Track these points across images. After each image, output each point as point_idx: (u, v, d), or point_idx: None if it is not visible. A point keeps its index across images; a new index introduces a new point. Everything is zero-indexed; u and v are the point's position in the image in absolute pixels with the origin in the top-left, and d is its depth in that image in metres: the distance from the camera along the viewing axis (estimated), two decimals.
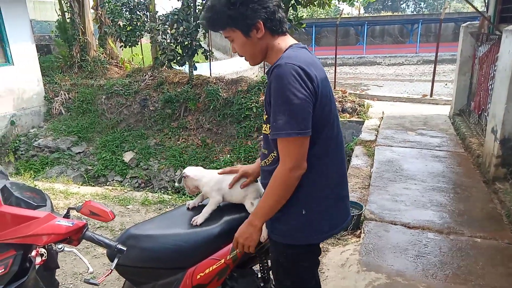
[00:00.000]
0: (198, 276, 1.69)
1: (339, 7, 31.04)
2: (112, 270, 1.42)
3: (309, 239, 1.51)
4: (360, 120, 7.16)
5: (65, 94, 9.68)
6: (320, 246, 1.68)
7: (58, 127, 9.10)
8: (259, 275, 2.01)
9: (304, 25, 8.20)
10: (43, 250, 1.55)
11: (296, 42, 1.46)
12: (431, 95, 8.90)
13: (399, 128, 6.40)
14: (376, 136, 5.99)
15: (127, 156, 8.66)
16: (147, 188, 7.27)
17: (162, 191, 6.19)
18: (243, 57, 1.50)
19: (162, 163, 8.29)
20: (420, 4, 45.12)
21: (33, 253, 1.48)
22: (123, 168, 8.30)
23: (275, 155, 1.44)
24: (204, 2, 8.83)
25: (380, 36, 29.21)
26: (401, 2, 45.77)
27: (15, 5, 8.55)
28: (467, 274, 2.54)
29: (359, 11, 34.35)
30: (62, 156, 8.54)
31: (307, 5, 8.03)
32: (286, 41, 1.44)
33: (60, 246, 1.37)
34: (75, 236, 1.37)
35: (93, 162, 8.52)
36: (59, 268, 1.70)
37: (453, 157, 4.92)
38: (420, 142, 5.55)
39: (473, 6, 7.11)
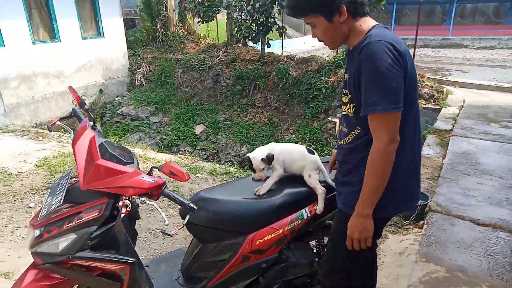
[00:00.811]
0: (258, 242, 1.84)
1: None
2: (184, 225, 1.61)
3: (384, 212, 1.54)
4: (437, 107, 6.71)
5: (146, 67, 10.41)
6: None
7: (139, 97, 9.88)
8: (314, 250, 2.11)
9: (383, 2, 7.77)
10: (128, 202, 1.82)
11: (377, 23, 1.47)
12: None
13: (480, 118, 5.90)
14: (453, 125, 5.60)
15: (198, 129, 9.16)
16: (215, 160, 7.67)
17: (228, 164, 6.51)
18: (322, 42, 1.52)
19: (229, 138, 8.65)
20: None
21: (120, 203, 1.73)
22: (194, 139, 8.82)
23: (357, 133, 1.48)
24: None
25: (470, 16, 26.38)
26: None
27: None
28: None
29: None
30: (141, 124, 9.31)
31: None
32: (367, 22, 1.45)
33: (143, 199, 1.57)
34: (155, 192, 1.58)
35: (168, 132, 9.17)
36: (139, 219, 1.96)
37: None
38: (503, 136, 5.08)
39: None
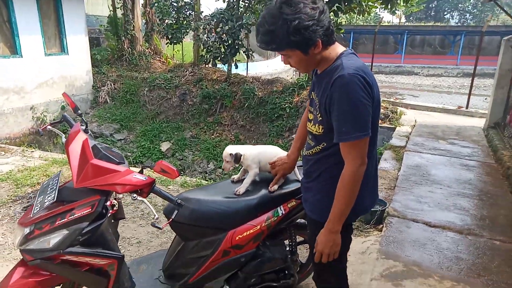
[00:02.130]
0: (237, 238, 2.00)
1: (379, 15, 30.73)
2: (172, 219, 1.74)
3: (349, 219, 1.67)
4: (392, 126, 7.26)
5: (111, 84, 10.34)
6: None
7: (103, 115, 9.75)
8: (288, 248, 2.30)
9: (342, 31, 8.38)
10: (115, 202, 1.92)
11: (344, 49, 1.56)
12: (467, 107, 8.82)
13: (430, 136, 6.47)
14: (407, 142, 6.10)
15: (164, 146, 9.17)
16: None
17: (199, 177, 6.59)
18: (294, 68, 1.63)
19: (196, 154, 8.74)
20: (465, 15, 43.68)
21: (108, 203, 1.84)
22: (160, 156, 8.81)
23: (322, 146, 1.63)
24: (246, 4, 9.22)
25: (419, 46, 28.67)
26: (444, 13, 44.48)
27: (74, 0, 9.29)
28: (481, 270, 2.70)
29: (400, 20, 33.77)
30: (105, 142, 9.15)
31: (347, 12, 8.20)
32: (336, 49, 1.54)
33: (134, 195, 1.69)
34: (145, 189, 1.71)
35: (133, 149, 9.09)
36: (124, 218, 2.06)
37: (482, 167, 4.98)
38: (450, 151, 5.62)
39: None
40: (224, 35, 8.51)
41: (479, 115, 8.34)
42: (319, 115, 1.58)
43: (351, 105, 1.42)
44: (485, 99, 13.29)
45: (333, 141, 1.53)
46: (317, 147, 1.66)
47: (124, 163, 1.79)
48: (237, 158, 2.05)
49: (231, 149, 2.12)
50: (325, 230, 1.58)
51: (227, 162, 2.12)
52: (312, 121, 1.66)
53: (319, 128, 1.60)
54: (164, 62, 11.77)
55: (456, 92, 18.37)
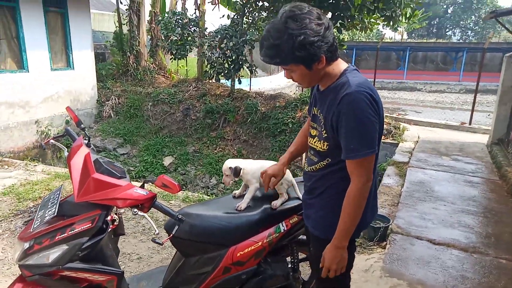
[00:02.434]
0: (238, 254, 1.97)
1: (381, 32, 31.09)
2: (172, 235, 1.72)
3: (353, 235, 1.64)
4: (395, 142, 7.25)
5: (115, 99, 10.43)
6: None
7: (107, 129, 9.80)
8: (290, 265, 2.27)
9: (345, 47, 8.48)
10: (115, 217, 1.91)
11: (347, 65, 1.56)
12: (470, 123, 8.81)
13: (433, 152, 6.44)
14: (410, 158, 6.08)
15: (167, 161, 9.18)
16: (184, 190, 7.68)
17: (201, 192, 6.58)
18: (297, 83, 1.66)
19: (199, 169, 8.73)
20: (467, 32, 44.08)
21: (108, 217, 1.83)
22: (162, 171, 8.80)
23: (326, 163, 1.63)
24: (250, 21, 9.36)
25: (422, 62, 28.85)
26: (446, 30, 44.92)
27: (81, 17, 9.47)
28: None
29: (402, 36, 34.12)
30: (108, 156, 9.17)
31: (350, 28, 8.31)
32: (339, 66, 1.54)
33: (134, 210, 1.68)
34: (146, 204, 1.70)
35: (135, 164, 9.11)
36: (124, 234, 2.04)
37: (486, 184, 4.94)
38: (453, 167, 5.58)
39: None
40: (228, 51, 8.62)
41: (482, 131, 8.32)
42: (324, 131, 1.57)
43: (358, 122, 1.42)
44: (488, 115, 13.28)
45: (338, 157, 1.53)
46: (321, 163, 1.65)
47: (126, 177, 1.79)
48: (236, 171, 2.03)
49: (230, 163, 2.11)
50: (332, 246, 1.58)
51: (227, 176, 2.10)
52: (317, 137, 1.64)
53: (323, 144, 1.60)
54: (168, 77, 11.89)
55: (459, 108, 18.38)
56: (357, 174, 1.49)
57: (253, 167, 2.11)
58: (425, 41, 33.96)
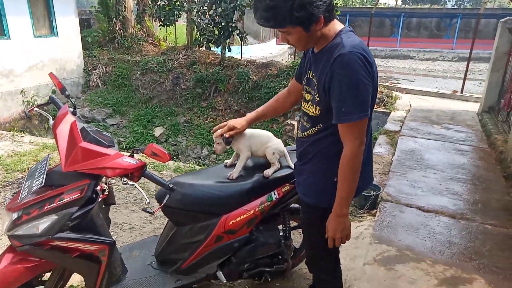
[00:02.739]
0: (230, 223, 1.98)
1: None
2: (163, 204, 1.70)
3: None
4: (387, 111, 7.24)
5: (102, 68, 10.16)
6: None
7: (95, 99, 9.61)
8: (281, 233, 2.29)
9: (338, 13, 8.26)
10: (105, 187, 1.88)
11: (342, 25, 1.51)
12: (461, 92, 8.81)
13: (425, 121, 6.46)
14: (401, 127, 6.09)
15: (158, 131, 9.10)
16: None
17: (193, 162, 6.56)
18: (292, 46, 1.55)
19: (190, 140, 8.68)
20: None
21: (98, 187, 1.79)
22: (153, 142, 8.73)
23: (317, 128, 1.60)
24: None
25: (416, 29, 28.46)
26: None
27: None
28: (473, 254, 2.72)
29: (397, 2, 33.41)
30: (97, 127, 9.01)
31: None
32: (334, 26, 1.48)
33: (124, 179, 1.65)
34: (136, 173, 1.66)
35: (126, 135, 9.01)
36: (115, 204, 2.02)
37: (475, 151, 5.00)
38: (444, 136, 5.62)
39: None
40: (217, 17, 8.33)
41: (473, 100, 8.34)
42: (317, 95, 1.53)
43: (351, 85, 1.38)
44: (480, 83, 13.29)
45: (330, 122, 1.49)
46: (313, 128, 1.62)
47: (114, 146, 1.74)
48: (227, 140, 1.99)
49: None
50: (333, 216, 1.56)
51: (218, 144, 2.05)
52: (310, 102, 1.60)
53: (316, 109, 1.56)
54: (156, 45, 11.55)
55: (451, 77, 18.35)
56: (349, 138, 1.46)
57: (245, 135, 2.07)
58: (419, 7, 33.32)
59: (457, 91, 8.97)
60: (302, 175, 1.75)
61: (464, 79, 8.95)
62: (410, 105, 7.70)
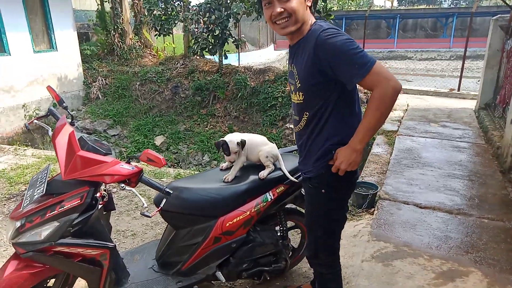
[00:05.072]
0: (227, 224, 2.03)
1: (371, 0, 30.55)
2: (161, 208, 1.76)
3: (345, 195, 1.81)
4: None
5: (102, 80, 10.26)
6: None
7: (96, 111, 9.70)
8: (279, 234, 2.34)
9: (332, 17, 8.34)
10: (105, 193, 1.94)
11: (314, 19, 1.66)
12: (458, 90, 8.87)
13: (422, 120, 6.52)
14: (399, 126, 6.14)
15: (158, 140, 9.17)
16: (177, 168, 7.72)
17: (193, 168, 6.62)
18: (280, 22, 1.58)
19: (190, 147, 8.74)
20: None
21: (98, 194, 1.86)
22: (155, 151, 8.78)
23: (306, 118, 1.68)
24: None
25: (412, 30, 28.58)
26: None
27: None
28: (469, 248, 2.76)
29: (392, 4, 33.60)
30: (99, 138, 9.13)
31: None
32: (312, 18, 1.64)
33: (122, 185, 1.71)
34: (133, 179, 1.72)
35: (127, 145, 9.08)
36: (114, 210, 2.08)
37: (472, 148, 5.04)
38: (441, 133, 5.67)
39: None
40: (211, 25, 8.44)
41: (470, 97, 8.39)
42: (298, 81, 1.65)
43: (346, 46, 1.46)
44: (478, 81, 13.29)
45: (315, 107, 1.62)
46: (302, 119, 1.71)
47: (111, 153, 1.80)
48: (243, 144, 2.08)
49: (234, 138, 2.11)
50: (348, 147, 1.58)
51: (235, 153, 2.10)
52: (293, 91, 1.72)
53: (299, 95, 1.67)
54: (154, 55, 11.68)
55: (450, 76, 18.36)
56: (381, 79, 1.45)
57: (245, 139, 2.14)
58: (415, 7, 33.49)
59: (454, 89, 9.02)
60: (305, 165, 1.80)
61: (461, 77, 9.00)
62: (408, 104, 7.76)
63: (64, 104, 1.96)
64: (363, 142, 1.56)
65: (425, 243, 2.83)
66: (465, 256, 2.67)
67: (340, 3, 28.66)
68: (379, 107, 1.47)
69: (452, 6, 38.67)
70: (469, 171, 4.26)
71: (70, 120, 1.90)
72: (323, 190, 1.73)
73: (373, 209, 3.47)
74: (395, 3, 36.65)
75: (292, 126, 8.09)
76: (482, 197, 3.59)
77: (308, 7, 1.59)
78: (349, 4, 29.56)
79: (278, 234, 2.33)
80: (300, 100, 1.67)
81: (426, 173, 4.18)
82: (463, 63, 9.05)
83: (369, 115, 1.49)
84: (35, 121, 2.06)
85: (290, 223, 2.47)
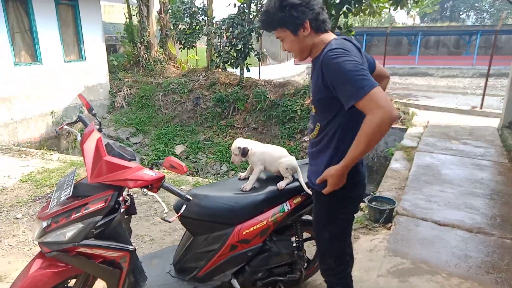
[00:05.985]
0: (244, 232, 2.07)
1: (393, 16, 30.49)
2: (180, 213, 1.82)
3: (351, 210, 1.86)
4: (403, 127, 7.23)
5: (127, 90, 10.60)
6: (352, 234, 2.00)
7: (119, 119, 9.99)
8: (295, 244, 2.36)
9: (353, 33, 8.40)
10: (127, 197, 2.02)
11: (334, 36, 1.68)
12: (481, 107, 8.70)
13: (442, 136, 6.42)
14: (418, 143, 6.07)
15: (178, 149, 9.34)
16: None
17: (212, 177, 6.71)
18: (292, 53, 1.79)
19: (209, 157, 8.86)
20: (482, 15, 42.81)
21: (120, 198, 1.94)
22: None
23: (318, 128, 1.77)
24: (258, 8, 9.35)
25: (434, 47, 28.28)
26: (460, 13, 43.71)
27: (91, 8, 9.60)
28: (490, 268, 2.69)
29: (414, 21, 33.40)
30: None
31: (358, 13, 8.22)
32: (328, 37, 1.67)
33: (144, 190, 1.78)
34: (156, 184, 1.80)
35: (148, 153, 9.29)
36: (136, 214, 2.15)
37: (495, 166, 4.92)
38: (462, 151, 5.57)
39: None
40: (234, 39, 8.64)
41: (493, 115, 8.21)
42: (311, 95, 1.77)
43: (347, 67, 1.49)
44: (502, 99, 13.00)
45: (325, 122, 1.70)
46: (316, 128, 1.80)
47: (136, 160, 1.88)
48: (244, 152, 2.12)
49: (239, 143, 2.20)
50: (339, 168, 1.62)
51: (235, 155, 2.20)
52: (311, 103, 1.82)
53: (313, 108, 1.78)
54: (178, 67, 12.00)
55: (472, 93, 18.03)
56: (373, 106, 1.45)
57: (259, 150, 2.20)
58: (437, 25, 33.16)
59: (477, 107, 8.85)
60: (314, 173, 1.84)
61: (484, 94, 8.84)
62: (428, 121, 7.66)
63: (93, 111, 2.06)
64: (349, 167, 1.61)
65: (443, 260, 2.78)
66: (485, 276, 2.61)
67: (361, 19, 28.71)
68: (367, 133, 1.48)
69: (476, 24, 38.10)
70: (490, 189, 4.16)
71: (98, 127, 2.00)
72: (323, 191, 1.76)
73: (390, 224, 3.44)
74: (417, 20, 36.43)
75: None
76: (505, 216, 3.50)
77: (311, 33, 1.64)
78: (371, 20, 29.57)
79: (294, 244, 2.34)
80: (314, 111, 1.78)
81: (446, 190, 4.12)
82: (486, 80, 8.89)
83: (357, 141, 1.52)
84: (65, 126, 2.17)
85: (306, 234, 2.49)
